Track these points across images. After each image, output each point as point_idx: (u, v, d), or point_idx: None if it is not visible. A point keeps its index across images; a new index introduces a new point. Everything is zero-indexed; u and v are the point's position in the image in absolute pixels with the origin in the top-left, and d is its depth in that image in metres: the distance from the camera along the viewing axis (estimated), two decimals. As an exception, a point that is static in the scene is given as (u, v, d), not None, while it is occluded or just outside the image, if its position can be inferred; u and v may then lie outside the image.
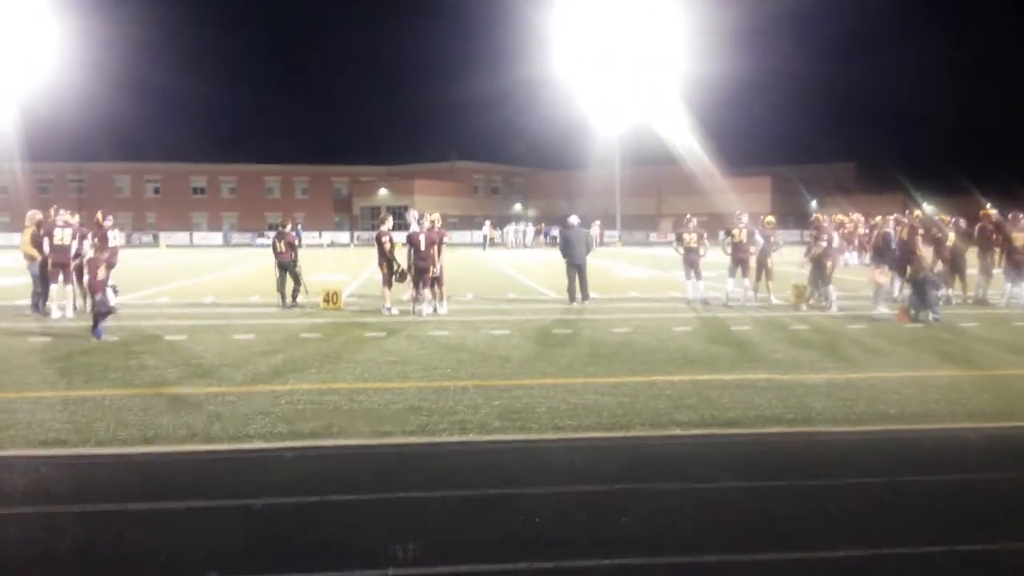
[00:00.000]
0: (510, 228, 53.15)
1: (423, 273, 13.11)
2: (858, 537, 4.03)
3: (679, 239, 15.44)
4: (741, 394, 7.14)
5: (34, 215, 13.37)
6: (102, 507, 4.41)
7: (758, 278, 15.19)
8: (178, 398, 6.99)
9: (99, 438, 5.72)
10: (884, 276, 14.23)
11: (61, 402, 6.86)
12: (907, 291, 13.10)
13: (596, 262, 16.98)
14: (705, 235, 15.36)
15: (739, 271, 14.80)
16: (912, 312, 12.19)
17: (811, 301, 14.27)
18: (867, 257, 23.72)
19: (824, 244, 14.08)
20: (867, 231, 24.33)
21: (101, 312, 10.55)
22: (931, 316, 12.05)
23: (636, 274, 24.19)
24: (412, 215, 14.98)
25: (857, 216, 28.08)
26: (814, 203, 63.44)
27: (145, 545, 3.92)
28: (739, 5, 72.68)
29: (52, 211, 13.40)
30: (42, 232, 13.07)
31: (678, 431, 5.98)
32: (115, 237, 13.92)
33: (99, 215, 14.15)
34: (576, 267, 14.92)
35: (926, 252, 13.81)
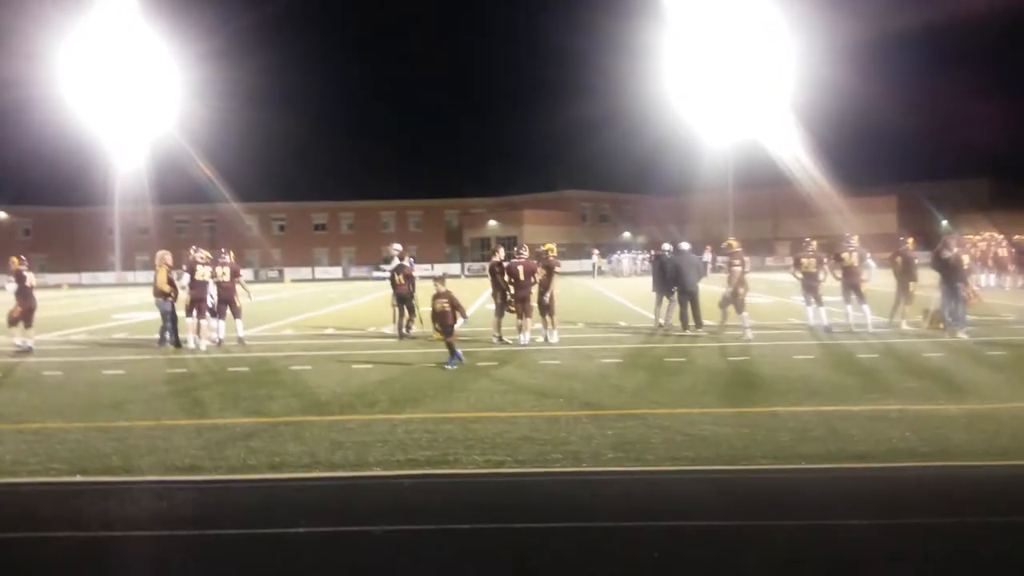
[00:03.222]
0: (625, 256, 52.69)
1: (523, 303, 13.24)
2: (1010, 583, 3.69)
3: (797, 263, 14.90)
4: (871, 426, 6.74)
5: (164, 255, 14.32)
6: (231, 532, 4.61)
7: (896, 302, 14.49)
8: (303, 426, 7.27)
9: (230, 464, 6.01)
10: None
11: (195, 430, 7.27)
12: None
13: (709, 288, 16.59)
14: (825, 259, 14.78)
15: (854, 296, 14.14)
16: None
17: (940, 325, 13.47)
18: (1007, 278, 22.21)
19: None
20: (1013, 251, 22.70)
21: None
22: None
23: (752, 300, 23.44)
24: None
25: (991, 235, 26.27)
26: (945, 222, 59.79)
27: (273, 571, 4.06)
28: (854, 15, 69.88)
29: (192, 250, 14.36)
30: (184, 268, 14.06)
31: (804, 464, 5.70)
32: (203, 272, 14.07)
33: (191, 250, 14.68)
34: (688, 294, 14.62)
35: None
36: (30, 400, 9.04)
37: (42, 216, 78.89)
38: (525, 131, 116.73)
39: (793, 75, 49.24)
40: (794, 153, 50.72)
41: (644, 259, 53.70)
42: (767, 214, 68.44)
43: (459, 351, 10.98)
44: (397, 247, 16.19)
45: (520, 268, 13.30)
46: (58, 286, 56.92)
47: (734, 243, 14.45)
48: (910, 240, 15.28)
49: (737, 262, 13.97)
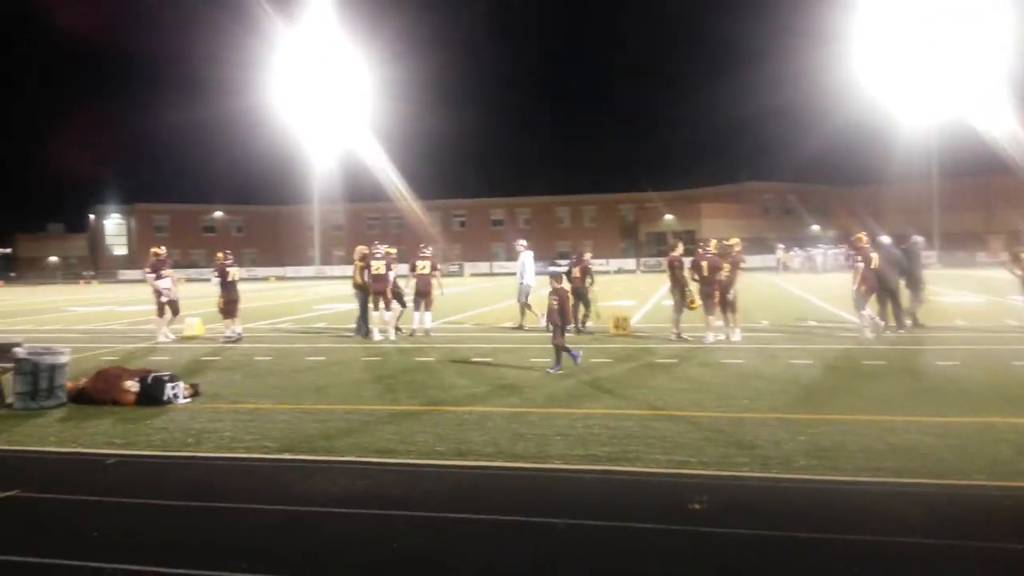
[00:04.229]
0: (818, 250, 49.77)
1: (708, 299, 12.80)
2: None
3: (1015, 259, 13.42)
4: (1113, 444, 5.92)
5: (361, 250, 15.19)
6: (422, 514, 4.83)
7: None
8: (485, 416, 7.49)
9: (420, 450, 6.31)
10: None
11: (389, 415, 7.70)
12: None
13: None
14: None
15: None
16: None
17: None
18: None
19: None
20: None
21: None
22: None
23: (961, 299, 21.37)
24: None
25: None
26: None
27: (460, 555, 4.20)
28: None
29: (372, 246, 15.17)
30: (362, 264, 14.81)
31: (1029, 483, 5.10)
32: (379, 266, 14.47)
33: (372, 246, 15.28)
34: (888, 292, 13.57)
35: None
36: (244, 383, 9.98)
37: (252, 214, 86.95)
38: (704, 122, 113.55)
39: (1008, 46, 44.15)
40: (1012, 135, 45.54)
41: (838, 254, 50.37)
42: (978, 204, 61.98)
43: (576, 353, 10.24)
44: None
45: (704, 264, 12.90)
46: (266, 279, 62.55)
47: (863, 237, 13.35)
48: None
49: (860, 258, 12.97)
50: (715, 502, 4.99)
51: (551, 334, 10.35)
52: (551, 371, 10.04)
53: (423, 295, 14.80)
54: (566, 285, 11.11)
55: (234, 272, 15.14)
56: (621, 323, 14.36)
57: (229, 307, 14.89)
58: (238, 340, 14.59)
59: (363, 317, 14.97)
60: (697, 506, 4.61)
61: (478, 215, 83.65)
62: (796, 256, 49.57)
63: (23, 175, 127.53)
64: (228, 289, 14.96)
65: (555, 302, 10.34)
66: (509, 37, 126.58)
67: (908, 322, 13.80)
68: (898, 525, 4.47)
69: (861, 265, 12.95)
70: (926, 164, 53.65)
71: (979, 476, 5.25)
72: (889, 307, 13.64)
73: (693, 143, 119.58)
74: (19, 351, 8.59)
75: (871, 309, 13.11)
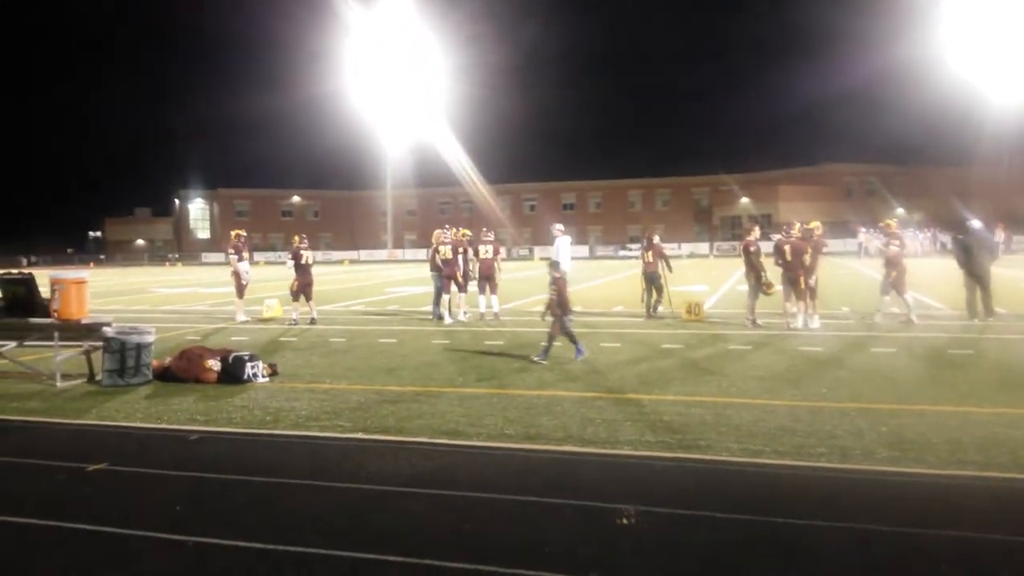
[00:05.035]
0: (908, 234, 47.77)
1: (793, 284, 12.44)
2: None
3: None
4: None
5: (438, 234, 15.33)
6: (493, 496, 4.85)
7: None
8: (554, 400, 7.47)
9: (489, 433, 6.34)
10: None
11: (457, 397, 7.76)
12: None
13: (1002, 272, 14.45)
14: None
15: None
16: None
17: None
18: None
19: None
20: None
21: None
22: None
23: (1057, 286, 20.20)
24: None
25: None
26: None
27: (528, 537, 4.20)
28: None
29: (441, 230, 15.30)
30: (433, 247, 15.00)
31: None
32: (445, 251, 14.77)
33: (445, 230, 15.51)
34: (977, 278, 12.94)
35: None
36: (320, 363, 10.21)
37: (328, 199, 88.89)
38: (781, 101, 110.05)
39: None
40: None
41: (927, 238, 48.34)
42: (1076, 186, 58.35)
43: (580, 349, 9.94)
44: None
45: (787, 248, 12.54)
46: (340, 262, 63.98)
47: (892, 223, 13.04)
48: None
49: (897, 243, 13.01)
50: (792, 493, 4.85)
51: (550, 324, 10.06)
52: (536, 359, 9.76)
53: (486, 279, 14.97)
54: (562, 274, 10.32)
55: (308, 255, 15.41)
56: (694, 308, 14.12)
57: (304, 290, 15.19)
58: (312, 322, 14.90)
59: (436, 300, 15.15)
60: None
61: (549, 199, 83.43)
62: (873, 239, 47.68)
63: (112, 161, 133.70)
64: (302, 272, 15.28)
65: (553, 292, 10.01)
66: (580, 21, 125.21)
67: None
68: (986, 520, 4.26)
69: (896, 250, 12.97)
70: (1017, 145, 50.79)
71: (1078, 473, 4.96)
72: (978, 294, 13.01)
73: (770, 125, 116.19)
74: (108, 330, 8.99)
75: (891, 296, 13.16)
